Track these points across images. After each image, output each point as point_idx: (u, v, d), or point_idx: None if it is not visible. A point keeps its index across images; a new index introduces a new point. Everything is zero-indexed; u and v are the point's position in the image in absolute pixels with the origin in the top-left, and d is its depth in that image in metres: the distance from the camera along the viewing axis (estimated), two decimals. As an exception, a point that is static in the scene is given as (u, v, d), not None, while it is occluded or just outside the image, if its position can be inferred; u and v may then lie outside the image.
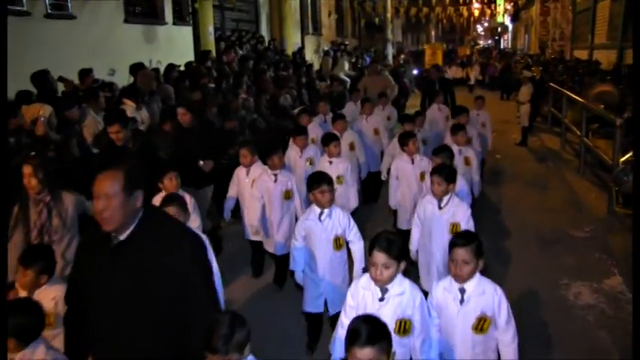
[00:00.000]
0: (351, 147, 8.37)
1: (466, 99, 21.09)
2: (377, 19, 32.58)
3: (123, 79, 10.29)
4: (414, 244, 5.51)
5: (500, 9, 40.84)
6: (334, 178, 6.47)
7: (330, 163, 6.90)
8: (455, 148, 7.02)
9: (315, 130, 8.81)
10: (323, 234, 4.91)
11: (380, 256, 3.48)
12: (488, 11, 39.85)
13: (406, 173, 6.89)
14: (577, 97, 12.24)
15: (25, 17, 9.39)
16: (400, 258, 3.55)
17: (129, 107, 8.26)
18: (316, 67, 19.33)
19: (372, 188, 9.47)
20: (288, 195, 6.42)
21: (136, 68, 9.73)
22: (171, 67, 11.15)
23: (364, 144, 8.98)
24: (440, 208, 5.17)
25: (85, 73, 9.15)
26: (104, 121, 7.08)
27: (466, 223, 5.07)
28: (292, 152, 7.67)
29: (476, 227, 5.06)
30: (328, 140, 7.02)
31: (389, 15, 30.45)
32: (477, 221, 7.11)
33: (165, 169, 5.66)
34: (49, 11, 9.98)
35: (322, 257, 4.96)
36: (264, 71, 12.91)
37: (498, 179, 10.83)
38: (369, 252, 3.57)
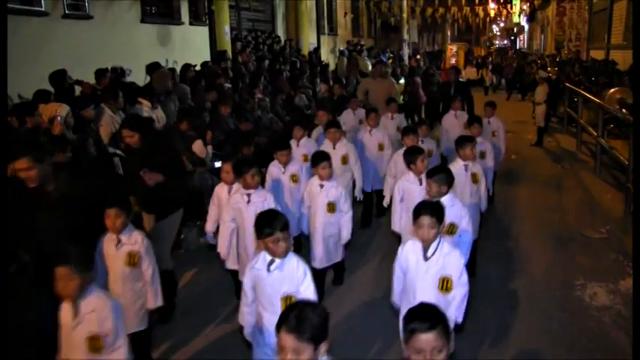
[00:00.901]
0: (344, 160, 7.37)
1: (482, 103, 20.89)
2: (393, 20, 32.48)
3: (139, 78, 10.36)
4: (396, 301, 4.39)
5: (516, 9, 40.60)
6: (325, 204, 5.87)
7: (322, 187, 5.94)
8: (460, 164, 6.23)
9: (307, 145, 7.72)
10: (269, 288, 3.88)
11: (288, 339, 2.59)
12: (505, 11, 39.64)
13: (413, 196, 5.77)
14: (593, 98, 12.15)
15: (44, 17, 9.49)
16: (319, 339, 2.64)
17: (144, 106, 8.34)
18: (332, 67, 19.37)
19: (376, 209, 8.49)
20: None
21: (152, 68, 9.81)
22: (187, 66, 11.21)
23: (367, 159, 8.22)
24: (426, 258, 4.05)
25: (101, 73, 9.23)
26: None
27: (458, 278, 4.03)
28: (274, 169, 6.73)
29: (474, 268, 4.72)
30: (317, 160, 5.96)
31: (405, 15, 30.40)
32: (492, 223, 7.04)
33: (106, 208, 4.51)
34: (67, 12, 10.09)
35: (270, 319, 3.75)
36: (281, 71, 12.95)
37: (514, 179, 10.77)
38: (275, 331, 2.68)
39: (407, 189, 5.89)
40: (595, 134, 11.12)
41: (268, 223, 3.77)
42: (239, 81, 11.42)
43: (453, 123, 9.62)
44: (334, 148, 7.30)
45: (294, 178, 6.68)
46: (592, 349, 5.10)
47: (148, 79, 9.73)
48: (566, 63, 21.39)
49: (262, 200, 5.34)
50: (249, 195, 5.34)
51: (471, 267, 5.44)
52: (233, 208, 5.43)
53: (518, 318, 5.69)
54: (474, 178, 6.25)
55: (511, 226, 8.34)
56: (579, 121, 13.34)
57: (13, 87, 7.63)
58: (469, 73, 27.01)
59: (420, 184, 5.76)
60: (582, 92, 13.35)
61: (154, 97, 8.61)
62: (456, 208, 4.94)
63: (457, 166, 6.17)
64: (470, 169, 6.24)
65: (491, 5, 37.59)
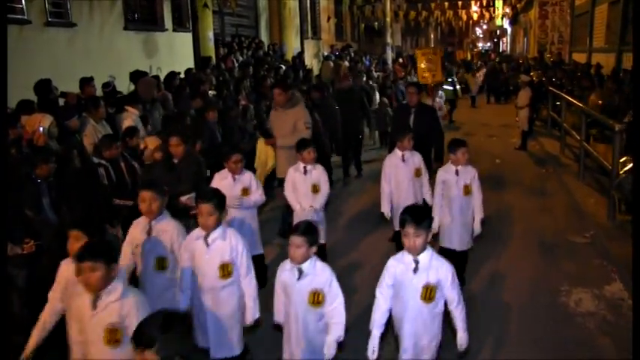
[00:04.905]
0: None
1: (465, 115, 20.78)
2: (376, 24, 32.57)
3: (123, 86, 10.32)
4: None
5: (498, 12, 40.85)
6: None
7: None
8: (410, 264, 3.84)
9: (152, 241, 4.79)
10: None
11: None
12: (487, 14, 39.90)
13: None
14: (575, 102, 12.23)
15: (26, 25, 9.41)
16: None
17: (132, 114, 8.29)
18: (316, 72, 19.39)
19: None
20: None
21: (137, 76, 9.76)
22: (172, 75, 11.17)
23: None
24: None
25: (85, 82, 9.13)
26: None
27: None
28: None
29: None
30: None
31: (388, 19, 30.41)
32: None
33: None
34: (49, 19, 10.00)
35: None
36: (265, 77, 12.93)
37: (498, 184, 10.81)
38: None
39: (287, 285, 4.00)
40: (578, 138, 11.18)
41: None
42: (223, 88, 11.38)
43: (399, 168, 6.92)
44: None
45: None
46: (578, 356, 5.12)
47: (132, 86, 9.68)
48: (549, 66, 21.52)
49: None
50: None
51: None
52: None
53: (503, 325, 5.70)
54: (427, 294, 3.83)
55: (495, 230, 8.29)
56: (563, 124, 13.43)
57: (-5, 97, 7.57)
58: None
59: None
60: (565, 96, 13.43)
61: (139, 105, 8.57)
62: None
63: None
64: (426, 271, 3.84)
65: (474, 8, 37.81)
